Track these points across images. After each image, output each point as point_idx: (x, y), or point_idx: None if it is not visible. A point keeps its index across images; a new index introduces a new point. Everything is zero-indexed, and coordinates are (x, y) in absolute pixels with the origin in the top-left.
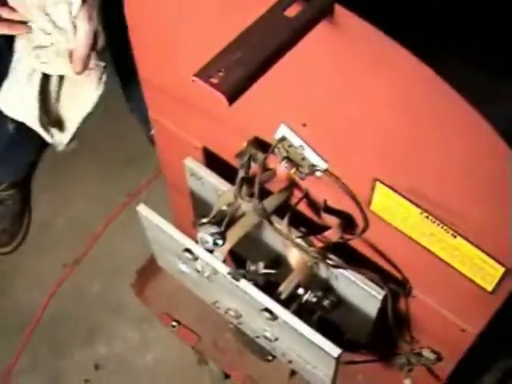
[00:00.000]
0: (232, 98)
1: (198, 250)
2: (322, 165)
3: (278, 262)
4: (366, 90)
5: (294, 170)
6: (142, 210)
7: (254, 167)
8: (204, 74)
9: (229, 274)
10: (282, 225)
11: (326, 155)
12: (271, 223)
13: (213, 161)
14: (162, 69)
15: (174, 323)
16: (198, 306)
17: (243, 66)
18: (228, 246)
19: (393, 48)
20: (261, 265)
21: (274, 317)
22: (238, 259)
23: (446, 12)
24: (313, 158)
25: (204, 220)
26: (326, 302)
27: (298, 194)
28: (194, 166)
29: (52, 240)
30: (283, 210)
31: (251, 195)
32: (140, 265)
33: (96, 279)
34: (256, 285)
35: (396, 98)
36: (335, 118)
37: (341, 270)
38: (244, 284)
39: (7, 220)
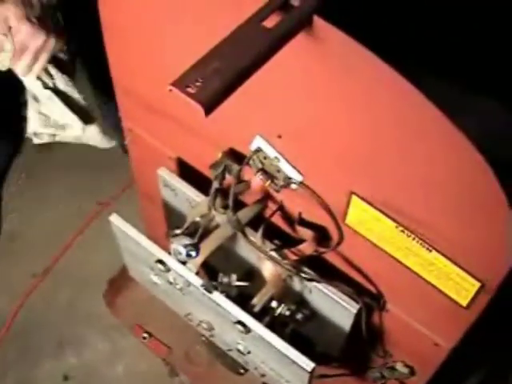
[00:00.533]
0: (209, 108)
1: (170, 261)
2: (297, 177)
3: (251, 274)
4: (342, 103)
5: (268, 182)
6: (115, 219)
7: (229, 178)
8: (181, 83)
9: (202, 285)
10: (256, 237)
11: (302, 167)
12: (245, 235)
13: (187, 171)
14: (138, 75)
15: (145, 335)
16: (169, 318)
17: (221, 76)
18: (201, 257)
19: (371, 60)
20: (234, 277)
21: (247, 330)
22: (210, 271)
23: (422, 28)
24: (288, 170)
25: (177, 231)
26: (299, 315)
27: (272, 206)
28: (168, 176)
29: (22, 249)
30: (257, 222)
31: (225, 207)
32: (111, 274)
33: (66, 289)
34: (229, 297)
35: (372, 111)
36: (310, 130)
37: (315, 284)
38: (217, 296)
39: None
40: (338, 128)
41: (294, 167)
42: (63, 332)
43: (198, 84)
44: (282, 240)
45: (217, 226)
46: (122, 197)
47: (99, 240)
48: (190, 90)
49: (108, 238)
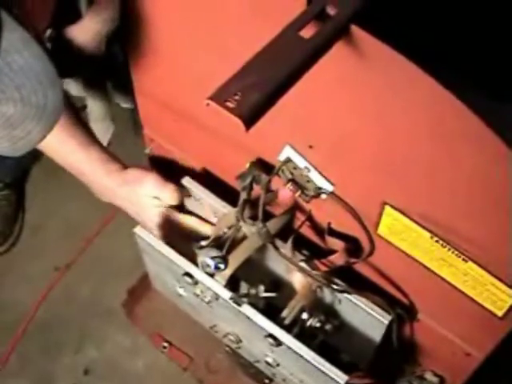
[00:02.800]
0: (249, 122)
1: (198, 274)
2: (327, 187)
3: (278, 284)
4: (380, 113)
5: (298, 193)
6: (139, 231)
7: (257, 189)
8: (219, 96)
9: (231, 298)
10: (285, 248)
11: (332, 177)
12: (275, 247)
13: (211, 182)
14: (164, 82)
15: (165, 344)
16: (189, 327)
17: (259, 89)
18: (230, 269)
19: (411, 69)
20: (261, 288)
21: (277, 343)
22: (232, 281)
23: (451, 36)
24: (318, 180)
25: (203, 243)
26: (328, 326)
27: (301, 216)
28: (193, 186)
29: (44, 242)
30: (286, 232)
31: (253, 218)
32: (135, 269)
33: (88, 283)
34: (256, 308)
35: (412, 120)
36: (343, 141)
37: (346, 295)
38: (247, 309)
39: (0, 221)
40: (373, 138)
41: (325, 177)
42: (84, 326)
43: (236, 98)
44: (311, 251)
45: (244, 238)
46: None
47: (123, 233)
48: (229, 104)
49: (130, 233)
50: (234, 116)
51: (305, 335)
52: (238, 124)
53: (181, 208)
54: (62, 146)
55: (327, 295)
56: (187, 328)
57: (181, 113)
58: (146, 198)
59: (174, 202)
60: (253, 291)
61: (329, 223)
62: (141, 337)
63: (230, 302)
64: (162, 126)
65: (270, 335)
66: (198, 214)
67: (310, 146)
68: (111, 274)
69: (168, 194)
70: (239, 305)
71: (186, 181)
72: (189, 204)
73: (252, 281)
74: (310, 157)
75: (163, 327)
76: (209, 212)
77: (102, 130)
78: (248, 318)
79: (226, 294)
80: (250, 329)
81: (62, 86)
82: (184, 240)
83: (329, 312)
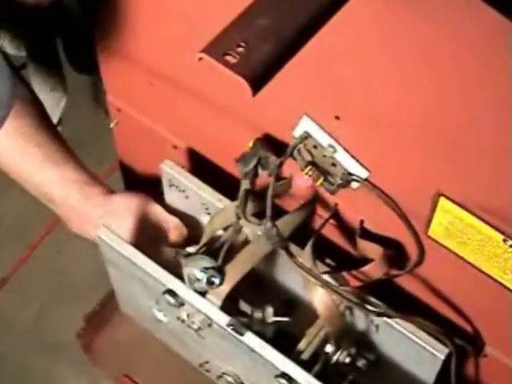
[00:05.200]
0: (257, 84)
1: (184, 291)
2: (360, 173)
3: (292, 306)
4: (430, 63)
5: (321, 180)
6: (104, 234)
7: (263, 176)
8: (217, 49)
9: (229, 325)
10: (303, 256)
11: (367, 160)
12: (289, 253)
13: (200, 167)
14: (137, 29)
15: None
16: (170, 365)
17: (272, 38)
18: (228, 285)
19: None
20: (270, 310)
21: None
22: (228, 301)
23: None
24: (348, 163)
25: (191, 249)
26: (361, 362)
27: (323, 212)
28: (176, 172)
29: None
30: (303, 235)
31: (258, 215)
32: (90, 289)
33: (30, 306)
34: (264, 338)
35: (475, 69)
36: (385, 108)
37: (385, 319)
38: (251, 339)
39: None
40: (426, 103)
41: (357, 159)
42: (24, 365)
43: (240, 50)
44: (337, 260)
45: (246, 242)
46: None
47: (75, 241)
48: (229, 58)
49: (87, 240)
50: (237, 75)
51: (330, 374)
52: (241, 86)
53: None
54: (24, 160)
55: (359, 320)
56: (167, 367)
57: (160, 73)
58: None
59: (177, 239)
60: (258, 315)
61: (361, 222)
62: (103, 380)
63: (228, 329)
64: (133, 92)
65: (283, 375)
66: (183, 210)
67: (337, 117)
68: (62, 293)
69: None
70: (240, 333)
71: (167, 165)
72: (170, 197)
73: (257, 301)
74: (336, 132)
75: (134, 366)
76: (198, 208)
77: (51, 101)
78: (252, 350)
79: (223, 319)
80: (255, 366)
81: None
82: (163, 247)
83: (362, 343)
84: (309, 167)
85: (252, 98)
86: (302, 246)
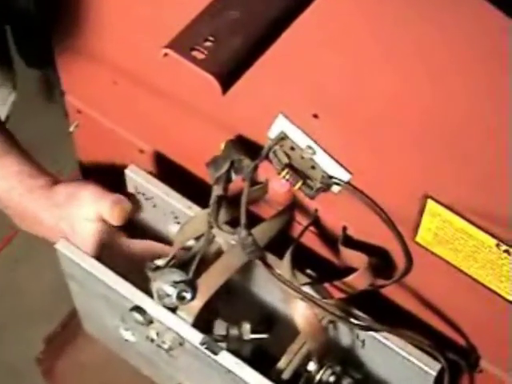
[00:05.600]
0: (227, 82)
1: (153, 308)
2: (341, 175)
3: (270, 321)
4: (422, 55)
5: (299, 184)
6: (63, 247)
7: (237, 181)
8: (183, 44)
9: (203, 343)
10: (281, 267)
11: (349, 161)
12: (266, 265)
13: (169, 172)
14: (99, 22)
15: None
16: None
17: (242, 31)
18: (200, 300)
19: None
20: (247, 327)
21: None
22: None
23: None
24: (328, 165)
25: (159, 262)
26: (346, 382)
27: (302, 219)
28: (141, 178)
29: None
30: (281, 244)
31: (231, 223)
32: (52, 308)
33: None
34: (240, 357)
35: (471, 65)
36: (365, 104)
37: (372, 334)
38: (226, 359)
39: None
40: (413, 101)
41: (338, 161)
42: None
43: (207, 45)
44: (319, 270)
45: (220, 253)
46: None
47: (32, 254)
48: (197, 54)
49: (46, 251)
50: (205, 72)
51: None
52: (210, 84)
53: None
54: None
55: (344, 335)
56: None
57: (124, 70)
58: (85, 222)
59: (116, 221)
60: (234, 332)
61: (344, 228)
62: None
63: (201, 348)
64: (95, 92)
65: None
66: (149, 220)
67: (315, 116)
68: (18, 313)
69: (108, 210)
70: (215, 353)
71: (132, 171)
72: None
73: (232, 317)
74: (315, 131)
75: None
76: (166, 217)
77: None
78: (228, 371)
79: (195, 337)
80: None
81: None
82: (130, 261)
83: (347, 360)
84: (286, 170)
85: (222, 96)
86: (280, 256)
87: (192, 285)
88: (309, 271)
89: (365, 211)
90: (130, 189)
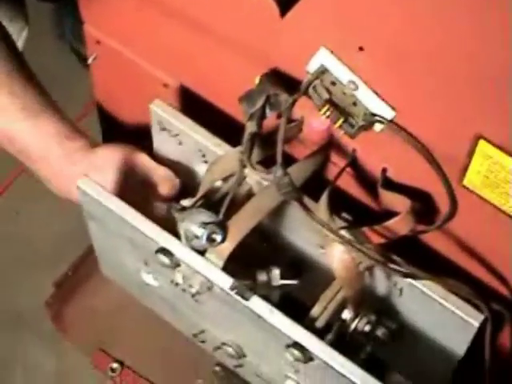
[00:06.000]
0: (286, 3)
1: (181, 250)
2: (385, 113)
3: (299, 267)
4: None
5: (340, 122)
6: (85, 185)
7: (270, 118)
8: None
9: (232, 288)
10: (318, 209)
11: (394, 98)
12: (304, 206)
13: (195, 108)
14: None
15: (114, 365)
16: (154, 336)
17: None
18: (231, 243)
19: None
20: (276, 272)
21: (306, 357)
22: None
23: None
24: (371, 102)
25: (186, 202)
26: (381, 331)
27: (338, 160)
28: (168, 113)
29: None
30: (315, 186)
31: (263, 163)
32: (54, 258)
33: None
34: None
35: None
36: (417, 36)
37: (411, 281)
38: (258, 304)
39: None
40: (466, 34)
41: (382, 98)
42: None
43: None
44: (355, 214)
45: (250, 194)
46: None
47: (33, 196)
48: None
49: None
50: None
51: (345, 345)
52: (268, 5)
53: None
54: None
55: (380, 283)
56: (151, 339)
57: None
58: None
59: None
60: (263, 277)
61: (384, 170)
62: (74, 356)
63: (231, 293)
64: (117, 21)
65: (296, 344)
66: (176, 159)
67: (361, 48)
68: (22, 262)
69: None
70: (245, 298)
71: (157, 106)
72: (161, 144)
73: (261, 261)
74: (358, 65)
75: (110, 339)
76: (193, 155)
77: (11, 33)
78: (259, 317)
79: (225, 281)
80: (262, 335)
81: None
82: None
83: (382, 309)
84: (326, 107)
85: (280, 19)
86: (314, 198)
87: (222, 226)
88: (345, 215)
89: (408, 152)
90: (154, 125)
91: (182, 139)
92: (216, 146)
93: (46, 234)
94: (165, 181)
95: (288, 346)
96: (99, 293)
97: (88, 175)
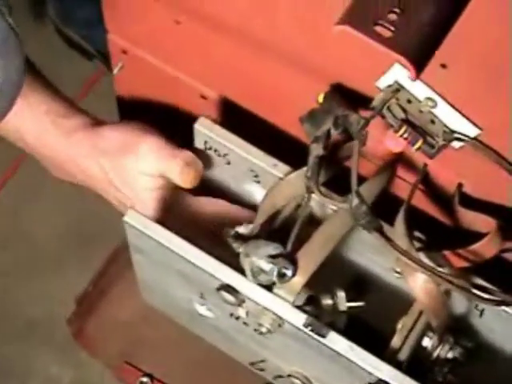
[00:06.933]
0: (420, 63)
1: (248, 288)
2: (468, 130)
3: (359, 286)
4: None
5: (419, 144)
6: (132, 219)
7: (336, 137)
8: (363, 17)
9: (307, 326)
10: (395, 235)
11: (479, 115)
12: (385, 237)
13: (236, 122)
14: None
15: (145, 379)
16: (180, 347)
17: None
18: (303, 277)
19: None
20: (342, 295)
21: None
22: None
23: None
24: (452, 119)
25: (241, 229)
26: (458, 352)
27: (404, 175)
28: (215, 133)
29: None
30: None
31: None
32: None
33: None
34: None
35: None
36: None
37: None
38: (336, 341)
39: None
40: None
41: (464, 115)
42: None
43: (392, 18)
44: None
45: (311, 219)
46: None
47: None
48: (381, 30)
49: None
50: (396, 53)
51: (423, 372)
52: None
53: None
54: None
55: (459, 304)
56: (180, 349)
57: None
58: (139, 176)
59: (187, 184)
60: (327, 302)
61: (459, 185)
62: (98, 369)
63: (306, 330)
64: (148, 33)
65: (380, 382)
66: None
67: (443, 65)
68: (35, 265)
69: (178, 172)
70: (322, 336)
71: (202, 124)
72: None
73: (320, 284)
74: (440, 82)
75: (137, 352)
76: (243, 175)
77: None
78: (338, 354)
79: (298, 319)
80: (340, 371)
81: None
82: (196, 225)
83: (458, 328)
84: (404, 128)
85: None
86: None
87: (291, 259)
88: (418, 234)
89: (487, 167)
90: (199, 144)
91: (231, 159)
92: (271, 167)
93: (47, 231)
94: (187, 167)
95: None
96: (122, 305)
97: (96, 161)
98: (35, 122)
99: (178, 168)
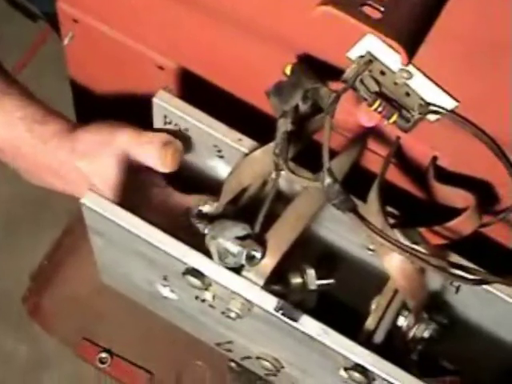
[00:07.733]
0: (411, 48)
1: (215, 271)
2: (445, 102)
3: (329, 262)
4: None
5: (394, 117)
6: (91, 202)
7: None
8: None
9: (278, 309)
10: (368, 213)
11: (453, 87)
12: (360, 217)
13: (195, 94)
14: None
15: (104, 355)
16: (141, 320)
17: None
18: (272, 259)
19: None
20: (311, 273)
21: (369, 379)
22: None
23: None
24: (429, 91)
25: (207, 207)
26: (432, 328)
27: (376, 147)
28: (175, 106)
29: None
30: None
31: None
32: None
33: None
34: (307, 311)
35: None
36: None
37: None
38: (309, 325)
39: None
40: None
41: (440, 86)
42: None
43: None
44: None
45: (279, 195)
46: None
47: None
48: (370, 11)
49: None
50: (387, 37)
51: (397, 350)
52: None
53: None
54: None
55: (434, 281)
56: (137, 323)
57: None
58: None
59: (168, 166)
60: (296, 280)
61: (433, 159)
62: (55, 347)
63: (277, 314)
64: None
65: (357, 366)
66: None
67: None
68: None
69: (157, 156)
70: (294, 319)
71: (161, 98)
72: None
73: (289, 261)
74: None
75: (95, 328)
76: (206, 151)
77: None
78: (311, 338)
79: (269, 302)
80: (313, 355)
81: None
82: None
83: (432, 304)
84: (378, 102)
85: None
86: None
87: (260, 240)
88: (392, 210)
89: (464, 140)
90: (157, 119)
91: (193, 134)
92: (236, 142)
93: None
94: (165, 146)
95: (346, 369)
96: (78, 278)
97: (73, 166)
98: (10, 129)
99: (156, 150)
